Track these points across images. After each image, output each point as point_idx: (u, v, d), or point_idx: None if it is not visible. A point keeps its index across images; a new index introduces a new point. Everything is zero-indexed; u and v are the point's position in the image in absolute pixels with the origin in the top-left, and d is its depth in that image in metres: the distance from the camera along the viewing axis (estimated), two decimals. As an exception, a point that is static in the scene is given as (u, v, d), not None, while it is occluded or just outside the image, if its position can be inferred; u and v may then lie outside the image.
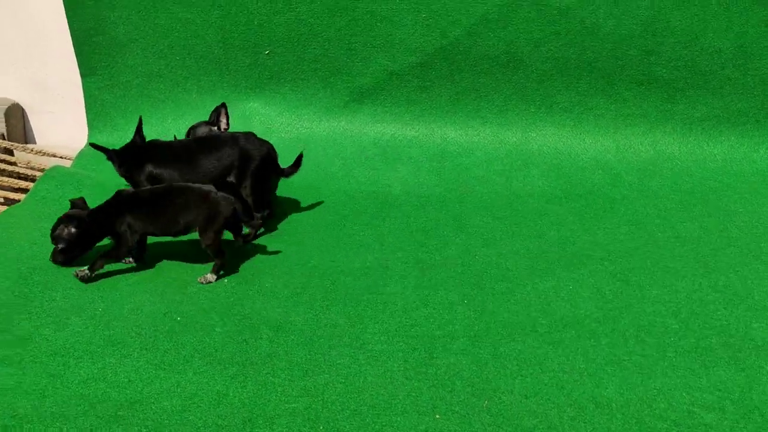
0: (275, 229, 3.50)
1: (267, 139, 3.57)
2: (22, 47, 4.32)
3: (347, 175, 4.01)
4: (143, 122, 3.45)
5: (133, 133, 3.41)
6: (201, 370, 2.41)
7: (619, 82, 4.04)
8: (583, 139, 4.12)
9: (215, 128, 3.61)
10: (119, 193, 3.06)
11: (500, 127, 4.15)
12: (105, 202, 3.03)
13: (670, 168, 4.02)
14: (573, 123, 4.12)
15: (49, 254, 3.01)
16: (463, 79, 4.10)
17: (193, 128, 3.64)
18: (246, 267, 3.13)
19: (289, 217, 3.63)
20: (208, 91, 4.19)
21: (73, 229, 2.94)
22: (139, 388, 2.31)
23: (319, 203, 3.77)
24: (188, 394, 2.30)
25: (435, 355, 2.54)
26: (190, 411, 2.23)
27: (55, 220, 3.03)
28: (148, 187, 3.18)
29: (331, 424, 2.21)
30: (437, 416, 2.23)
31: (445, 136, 4.16)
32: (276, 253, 3.25)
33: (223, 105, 3.62)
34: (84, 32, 4.04)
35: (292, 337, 2.62)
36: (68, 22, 4.02)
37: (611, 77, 4.03)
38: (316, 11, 4.01)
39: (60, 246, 2.95)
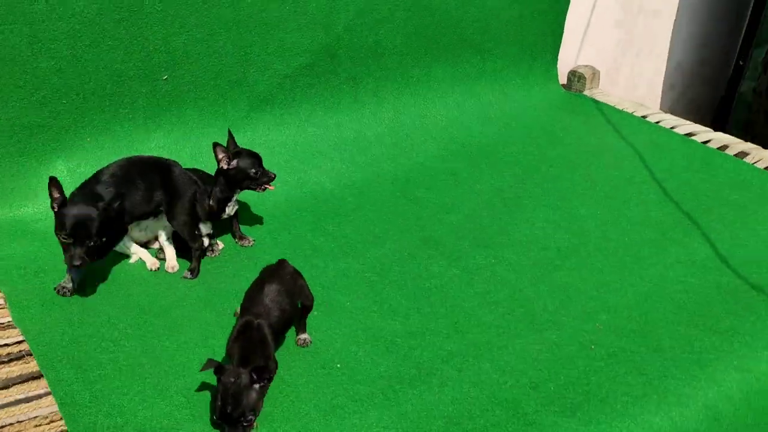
0: (262, 258, 3.55)
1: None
2: None
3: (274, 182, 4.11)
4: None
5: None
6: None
7: (453, 51, 4.92)
8: (434, 104, 4.93)
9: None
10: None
11: (377, 106, 4.67)
12: None
13: (498, 113, 5.14)
14: (424, 91, 4.89)
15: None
16: (344, 70, 4.47)
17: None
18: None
19: (266, 243, 3.67)
20: (104, 131, 3.69)
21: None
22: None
23: (275, 219, 3.87)
24: None
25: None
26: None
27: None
28: None
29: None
30: (591, 347, 3.04)
31: (338, 125, 4.51)
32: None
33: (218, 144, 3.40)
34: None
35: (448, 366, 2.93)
36: None
37: (448, 48, 4.88)
38: (212, 28, 3.84)
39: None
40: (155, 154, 3.83)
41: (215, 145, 3.35)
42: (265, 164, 4.12)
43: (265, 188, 3.49)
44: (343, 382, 2.76)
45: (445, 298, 3.31)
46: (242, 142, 4.15)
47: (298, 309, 2.90)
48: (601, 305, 3.32)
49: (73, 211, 2.86)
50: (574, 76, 5.59)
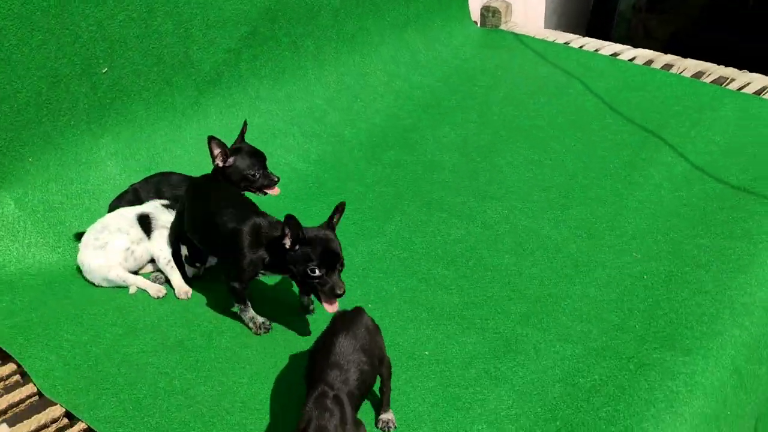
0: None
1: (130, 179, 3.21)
2: None
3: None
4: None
5: None
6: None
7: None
8: (371, 59, 4.62)
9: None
10: None
11: (319, 70, 4.29)
12: None
13: (428, 60, 4.91)
14: (360, 47, 4.55)
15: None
16: (284, 34, 4.02)
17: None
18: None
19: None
20: (46, 147, 3.02)
21: None
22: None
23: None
24: None
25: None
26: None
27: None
28: None
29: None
30: (644, 277, 3.07)
31: (288, 97, 4.08)
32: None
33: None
34: None
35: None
36: None
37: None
38: (150, 4, 3.23)
39: None
40: (108, 163, 3.28)
41: (210, 138, 2.87)
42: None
43: (266, 192, 3.07)
44: (442, 370, 2.56)
45: (484, 260, 3.18)
46: (195, 131, 3.69)
47: (377, 372, 2.28)
48: (623, 235, 3.36)
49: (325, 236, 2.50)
50: (488, 11, 5.52)
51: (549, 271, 3.12)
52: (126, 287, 2.91)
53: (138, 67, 3.32)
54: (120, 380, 2.36)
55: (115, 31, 3.17)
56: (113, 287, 2.90)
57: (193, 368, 2.46)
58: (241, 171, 2.92)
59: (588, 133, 4.22)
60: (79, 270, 2.94)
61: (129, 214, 3.02)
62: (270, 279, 3.05)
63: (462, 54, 5.12)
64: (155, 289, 2.90)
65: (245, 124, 3.01)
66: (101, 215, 3.08)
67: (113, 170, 3.23)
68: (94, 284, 2.90)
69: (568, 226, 3.44)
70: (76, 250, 2.98)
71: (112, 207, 3.12)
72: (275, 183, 3.01)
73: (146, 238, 2.95)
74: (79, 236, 3.03)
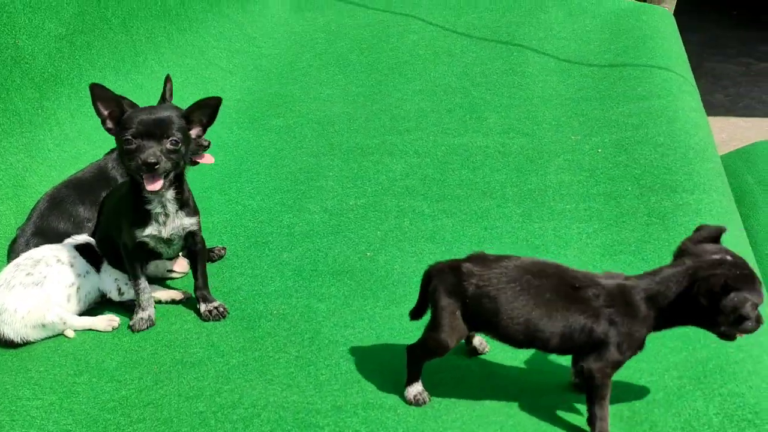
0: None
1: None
2: None
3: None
4: None
5: None
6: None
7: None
8: (196, 32, 4.03)
9: None
10: None
11: (155, 53, 3.62)
12: None
13: (250, 27, 4.50)
14: (180, 20, 3.97)
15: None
16: (113, 15, 3.32)
17: None
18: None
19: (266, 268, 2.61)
20: None
21: None
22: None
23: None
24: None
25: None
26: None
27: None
28: None
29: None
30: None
31: (138, 87, 3.37)
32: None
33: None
34: None
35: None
36: None
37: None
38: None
39: None
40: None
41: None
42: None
43: (197, 162, 2.54)
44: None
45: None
46: (52, 142, 2.89)
47: None
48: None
49: None
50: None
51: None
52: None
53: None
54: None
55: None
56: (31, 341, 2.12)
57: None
58: None
59: (454, 67, 4.10)
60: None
61: (63, 247, 2.28)
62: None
63: (280, 19, 4.71)
64: (105, 321, 2.19)
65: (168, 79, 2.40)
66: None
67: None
68: (10, 341, 2.10)
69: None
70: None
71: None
72: (206, 148, 2.53)
73: (94, 272, 2.26)
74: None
